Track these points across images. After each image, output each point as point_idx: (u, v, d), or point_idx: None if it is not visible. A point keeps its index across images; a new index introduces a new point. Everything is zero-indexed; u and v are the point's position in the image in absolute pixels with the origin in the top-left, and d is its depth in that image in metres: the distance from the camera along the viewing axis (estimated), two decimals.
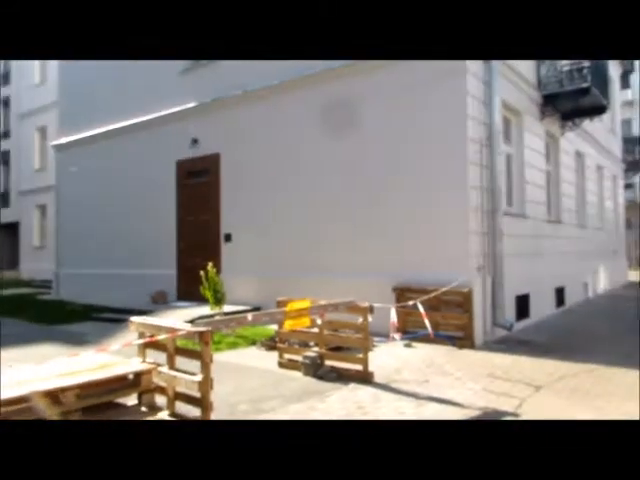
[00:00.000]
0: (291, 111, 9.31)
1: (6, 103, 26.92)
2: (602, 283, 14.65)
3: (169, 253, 11.08)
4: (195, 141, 10.69)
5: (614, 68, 16.89)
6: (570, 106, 10.90)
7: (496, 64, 8.00)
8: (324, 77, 8.77)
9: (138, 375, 3.81)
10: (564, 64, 10.32)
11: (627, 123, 27.86)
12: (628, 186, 23.32)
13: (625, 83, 25.12)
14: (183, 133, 10.84)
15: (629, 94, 29.02)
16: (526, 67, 9.84)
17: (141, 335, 4.09)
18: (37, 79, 24.59)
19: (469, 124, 7.48)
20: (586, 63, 10.06)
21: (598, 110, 11.55)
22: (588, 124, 12.69)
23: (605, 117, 14.25)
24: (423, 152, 7.80)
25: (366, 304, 6.07)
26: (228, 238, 10.17)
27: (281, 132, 9.46)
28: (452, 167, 7.52)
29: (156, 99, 11.45)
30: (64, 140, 13.96)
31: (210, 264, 8.50)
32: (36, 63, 24.37)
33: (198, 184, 10.77)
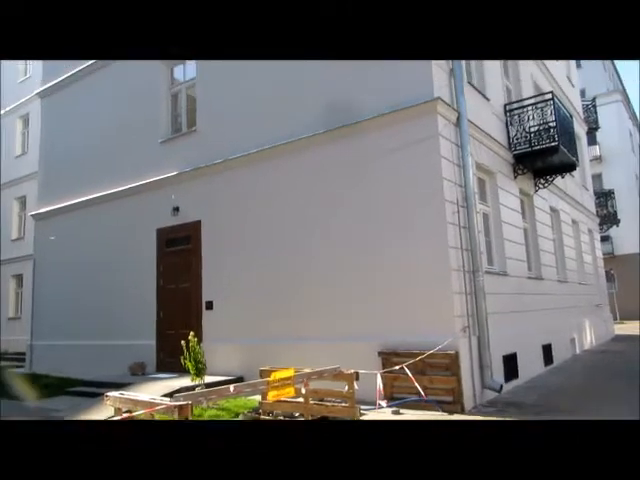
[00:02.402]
0: (271, 178, 9.43)
1: None
2: (589, 338, 14.62)
3: (149, 322, 10.82)
4: (176, 209, 10.70)
5: (580, 126, 17.62)
6: (541, 164, 11.25)
7: (466, 127, 8.27)
8: (303, 144, 8.96)
9: None
10: (531, 125, 10.72)
11: (597, 178, 28.86)
12: (604, 239, 23.80)
13: (592, 140, 26.18)
14: (164, 201, 10.87)
15: (597, 150, 30.21)
16: (496, 128, 10.19)
17: (117, 411, 3.90)
18: (18, 151, 24.78)
19: (445, 186, 7.62)
20: (552, 123, 10.46)
21: (568, 167, 11.93)
22: (560, 181, 13.06)
23: (576, 173, 14.72)
24: (402, 215, 7.88)
25: (351, 371, 5.92)
26: (209, 306, 9.99)
27: (261, 198, 9.54)
28: (432, 228, 7.58)
29: (137, 168, 11.55)
30: (43, 209, 13.89)
31: (191, 333, 8.29)
32: (18, 136, 24.63)
33: (179, 252, 10.70)
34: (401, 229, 7.87)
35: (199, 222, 10.36)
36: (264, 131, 9.52)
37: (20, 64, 25.62)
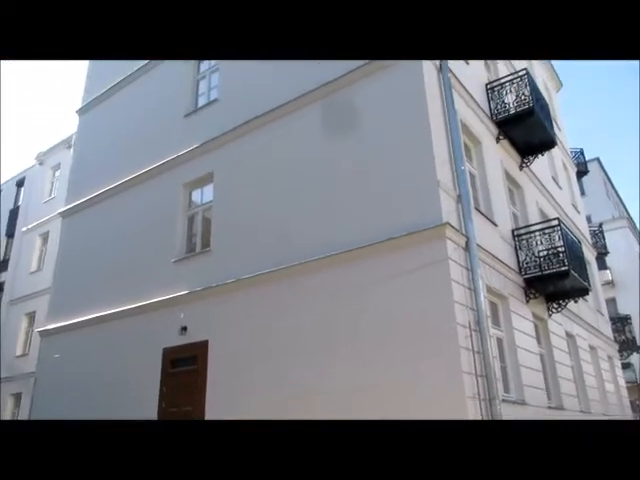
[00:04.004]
0: (282, 298, 9.39)
1: (0, 289, 27.29)
2: None
3: None
4: (184, 329, 10.58)
5: (589, 251, 17.76)
6: (553, 289, 11.16)
7: (476, 251, 8.34)
8: (315, 266, 9.02)
9: None
10: (540, 250, 10.80)
11: (611, 302, 28.49)
12: (626, 366, 22.91)
13: (602, 264, 26.27)
14: (172, 320, 10.77)
15: (608, 274, 30.20)
16: (505, 252, 10.28)
17: None
18: (34, 267, 25.32)
19: (457, 309, 7.51)
20: (561, 248, 10.54)
21: (581, 292, 11.81)
22: (574, 305, 12.88)
23: (589, 298, 14.55)
24: (414, 338, 7.69)
25: None
26: None
27: (271, 319, 9.42)
28: (444, 353, 7.35)
29: (149, 286, 11.62)
30: (51, 326, 13.81)
31: None
32: (35, 253, 25.36)
33: (184, 372, 10.38)
34: (412, 353, 7.63)
35: (206, 342, 10.17)
36: (276, 252, 9.67)
37: (47, 184, 27.04)
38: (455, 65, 10.04)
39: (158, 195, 12.45)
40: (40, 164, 27.99)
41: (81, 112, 16.28)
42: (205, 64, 13.40)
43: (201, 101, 13.02)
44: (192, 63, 13.42)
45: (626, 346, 19.86)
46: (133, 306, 11.73)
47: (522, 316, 10.17)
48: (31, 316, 23.86)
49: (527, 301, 10.62)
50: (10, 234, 28.26)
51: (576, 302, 12.70)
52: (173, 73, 13.60)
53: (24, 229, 26.84)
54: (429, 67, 9.15)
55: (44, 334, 14.05)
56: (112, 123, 14.90)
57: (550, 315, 11.75)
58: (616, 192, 40.27)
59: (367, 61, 9.37)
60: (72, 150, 17.54)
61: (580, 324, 14.20)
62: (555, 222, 11.09)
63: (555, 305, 11.77)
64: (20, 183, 29.71)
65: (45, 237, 25.59)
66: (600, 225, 22.56)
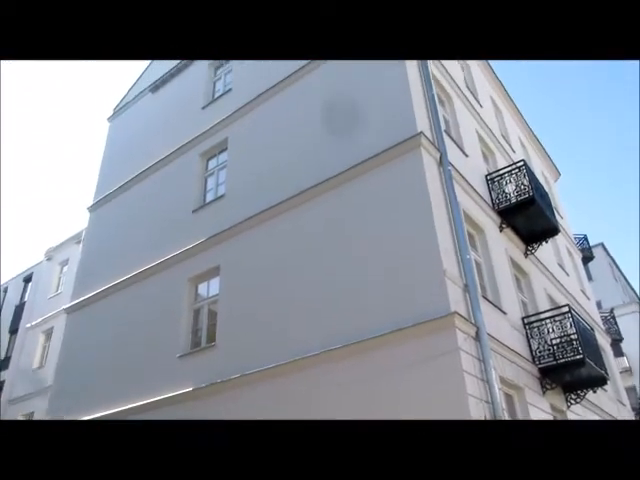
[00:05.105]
0: (290, 394, 9.06)
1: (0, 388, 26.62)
2: None
3: None
4: None
5: (603, 338, 17.34)
6: (569, 378, 10.77)
7: (486, 341, 8.14)
8: (321, 359, 8.79)
9: None
10: (553, 337, 10.54)
11: (632, 391, 27.38)
12: None
13: (618, 351, 25.57)
14: (177, 418, 10.35)
15: (625, 361, 29.29)
16: (517, 341, 10.04)
17: None
18: (36, 364, 24.88)
19: (470, 403, 7.20)
20: (574, 336, 10.28)
21: (598, 381, 11.38)
22: (593, 396, 12.36)
23: (608, 387, 14.00)
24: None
25: None
26: None
27: (277, 414, 9.04)
28: None
29: (152, 384, 11.29)
30: None
31: None
32: (38, 350, 25.04)
33: None
34: None
35: None
36: (282, 346, 9.48)
37: (54, 280, 27.22)
38: (455, 158, 10.39)
39: (164, 289, 12.45)
40: (48, 260, 28.36)
41: (92, 209, 16.73)
42: (214, 161, 13.94)
43: (209, 197, 13.39)
44: (202, 161, 13.97)
45: None
46: (137, 404, 11.33)
47: (539, 408, 9.73)
48: (29, 416, 23.07)
49: (544, 392, 10.22)
50: (14, 330, 28.04)
51: (595, 392, 12.20)
52: (183, 171, 14.12)
53: (28, 325, 26.69)
54: (429, 160, 9.46)
55: None
56: (121, 219, 15.25)
57: (569, 406, 11.25)
58: (623, 276, 40.08)
59: (369, 156, 9.72)
60: (81, 245, 17.85)
61: (601, 415, 13.55)
62: (565, 309, 10.93)
63: (573, 396, 11.31)
64: (27, 279, 29.94)
65: (49, 334, 25.35)
66: (611, 311, 22.25)
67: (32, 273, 29.67)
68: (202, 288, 12.32)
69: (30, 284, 29.54)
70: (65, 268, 27.03)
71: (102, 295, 14.07)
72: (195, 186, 13.65)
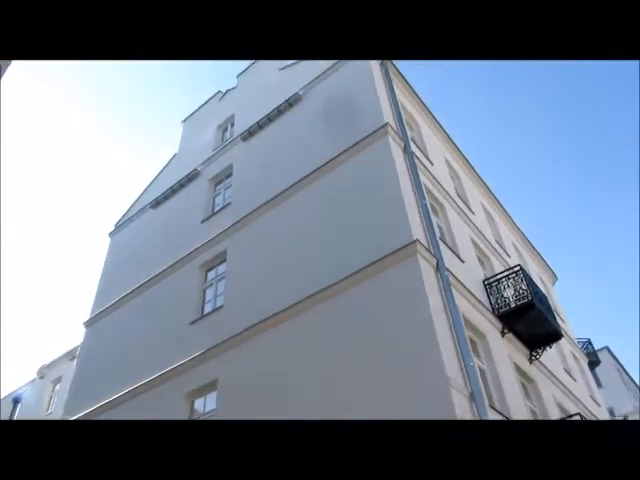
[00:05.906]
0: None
1: None
2: None
3: None
4: None
5: None
6: None
7: None
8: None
9: None
10: None
11: None
12: None
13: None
14: None
15: None
16: None
17: None
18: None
19: None
20: None
21: None
22: None
23: None
24: None
25: None
26: None
27: None
28: None
29: None
30: None
31: None
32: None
33: None
34: None
35: None
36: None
37: (45, 399, 26.55)
38: (451, 264, 10.51)
39: (160, 406, 11.95)
40: (41, 378, 27.56)
41: (88, 323, 16.55)
42: (213, 272, 14.04)
43: (207, 308, 13.32)
44: (201, 273, 14.07)
45: None
46: None
47: None
48: None
49: None
50: None
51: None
52: (182, 283, 14.17)
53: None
54: (426, 267, 9.56)
55: None
56: (117, 334, 15.02)
57: None
58: (632, 379, 38.88)
59: (365, 264, 9.83)
60: (75, 362, 17.43)
61: None
62: (577, 418, 10.49)
63: None
64: (17, 400, 28.89)
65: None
66: (625, 418, 21.28)
67: (22, 393, 28.72)
68: (198, 404, 11.84)
69: (20, 405, 28.47)
70: (57, 386, 26.31)
71: (95, 414, 13.47)
72: (194, 298, 13.64)
